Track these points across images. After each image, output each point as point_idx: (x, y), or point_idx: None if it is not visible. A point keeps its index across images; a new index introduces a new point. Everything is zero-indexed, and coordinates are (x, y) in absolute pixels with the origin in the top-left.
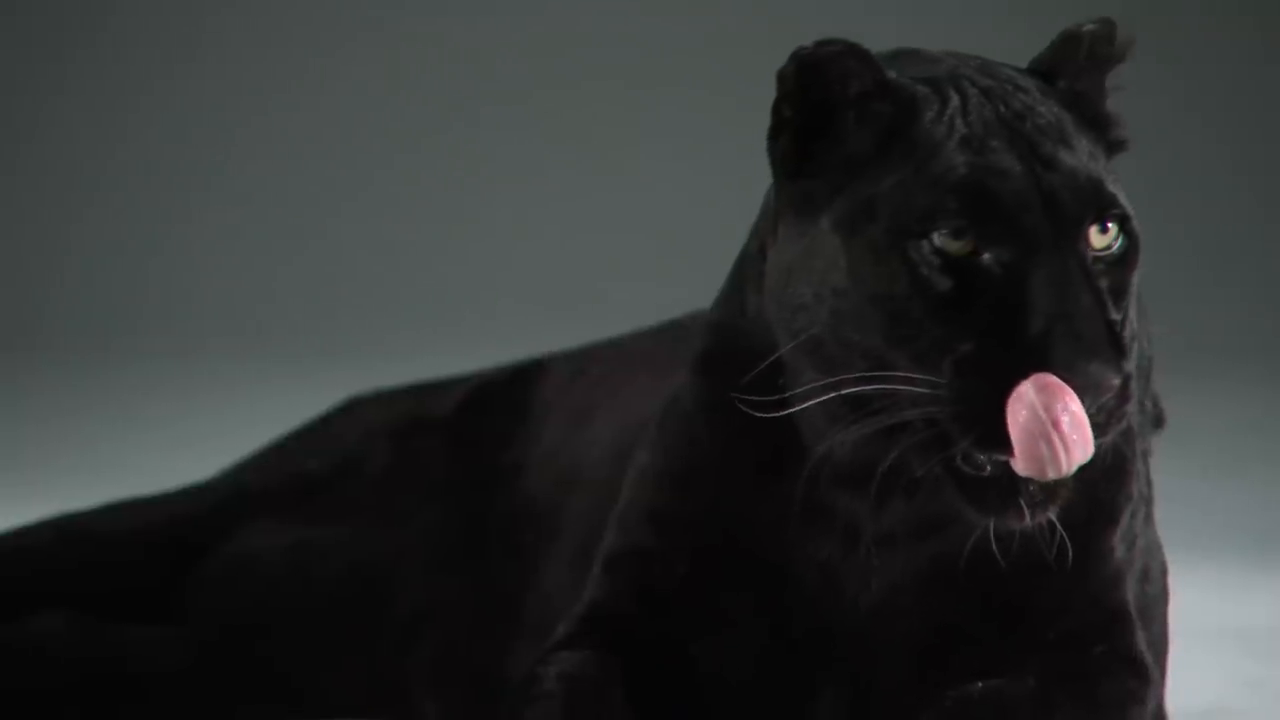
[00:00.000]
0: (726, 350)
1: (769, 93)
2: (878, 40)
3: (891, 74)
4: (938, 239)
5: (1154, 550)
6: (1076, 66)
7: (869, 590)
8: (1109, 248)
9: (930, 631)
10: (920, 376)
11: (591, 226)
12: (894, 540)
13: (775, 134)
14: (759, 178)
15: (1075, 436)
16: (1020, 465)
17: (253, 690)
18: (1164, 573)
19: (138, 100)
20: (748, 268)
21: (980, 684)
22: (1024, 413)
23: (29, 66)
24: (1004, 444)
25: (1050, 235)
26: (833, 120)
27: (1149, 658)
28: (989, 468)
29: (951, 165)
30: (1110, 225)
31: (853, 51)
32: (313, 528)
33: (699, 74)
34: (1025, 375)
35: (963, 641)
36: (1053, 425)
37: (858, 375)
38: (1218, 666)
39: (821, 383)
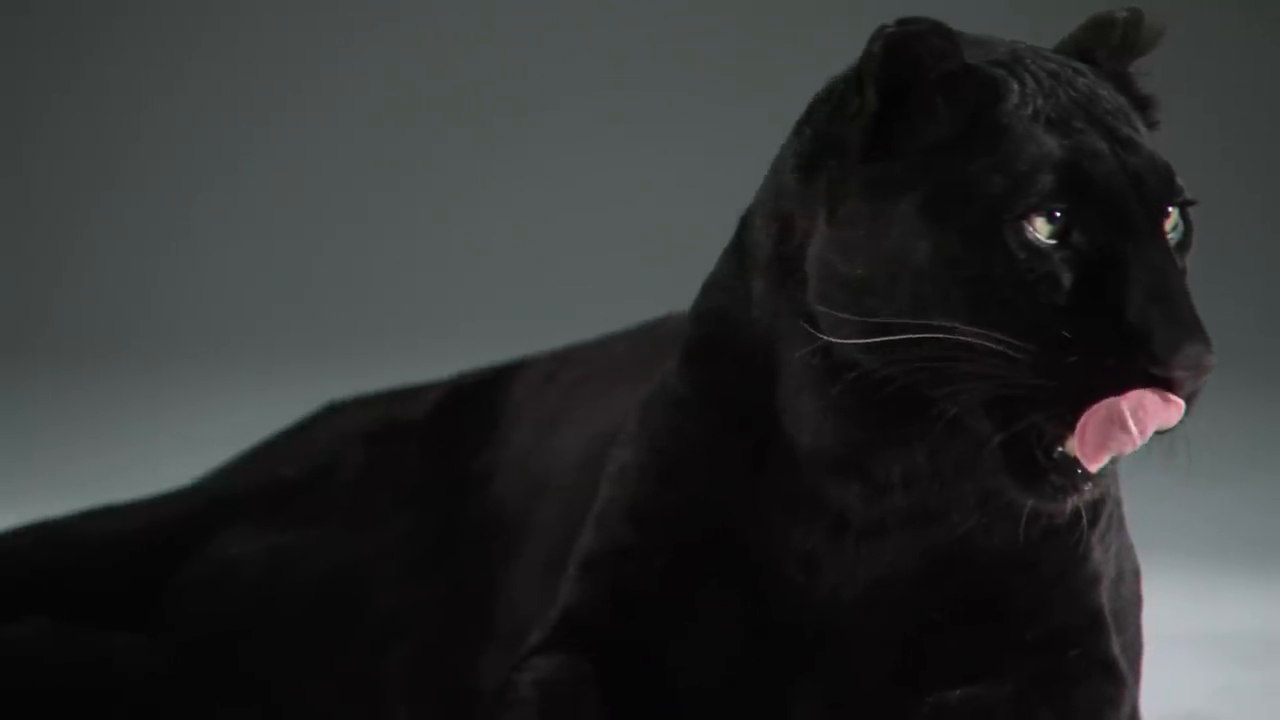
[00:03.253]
0: (721, 339)
1: (751, 97)
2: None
3: None
4: (1035, 221)
5: (1127, 553)
6: (1108, 52)
7: (853, 583)
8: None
9: (910, 628)
10: (1009, 340)
11: (570, 232)
12: (884, 532)
13: (851, 115)
14: (735, 178)
15: (1149, 420)
16: (1089, 438)
17: (230, 696)
18: (1137, 576)
19: (118, 112)
20: (754, 256)
21: (958, 691)
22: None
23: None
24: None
25: (1143, 219)
26: (913, 101)
27: (1123, 662)
28: (1056, 454)
29: (1046, 148)
30: (1172, 210)
31: (938, 30)
32: (289, 533)
33: (687, 78)
34: (1127, 356)
35: (943, 639)
36: (1126, 400)
37: (939, 324)
38: (1194, 672)
39: (905, 322)
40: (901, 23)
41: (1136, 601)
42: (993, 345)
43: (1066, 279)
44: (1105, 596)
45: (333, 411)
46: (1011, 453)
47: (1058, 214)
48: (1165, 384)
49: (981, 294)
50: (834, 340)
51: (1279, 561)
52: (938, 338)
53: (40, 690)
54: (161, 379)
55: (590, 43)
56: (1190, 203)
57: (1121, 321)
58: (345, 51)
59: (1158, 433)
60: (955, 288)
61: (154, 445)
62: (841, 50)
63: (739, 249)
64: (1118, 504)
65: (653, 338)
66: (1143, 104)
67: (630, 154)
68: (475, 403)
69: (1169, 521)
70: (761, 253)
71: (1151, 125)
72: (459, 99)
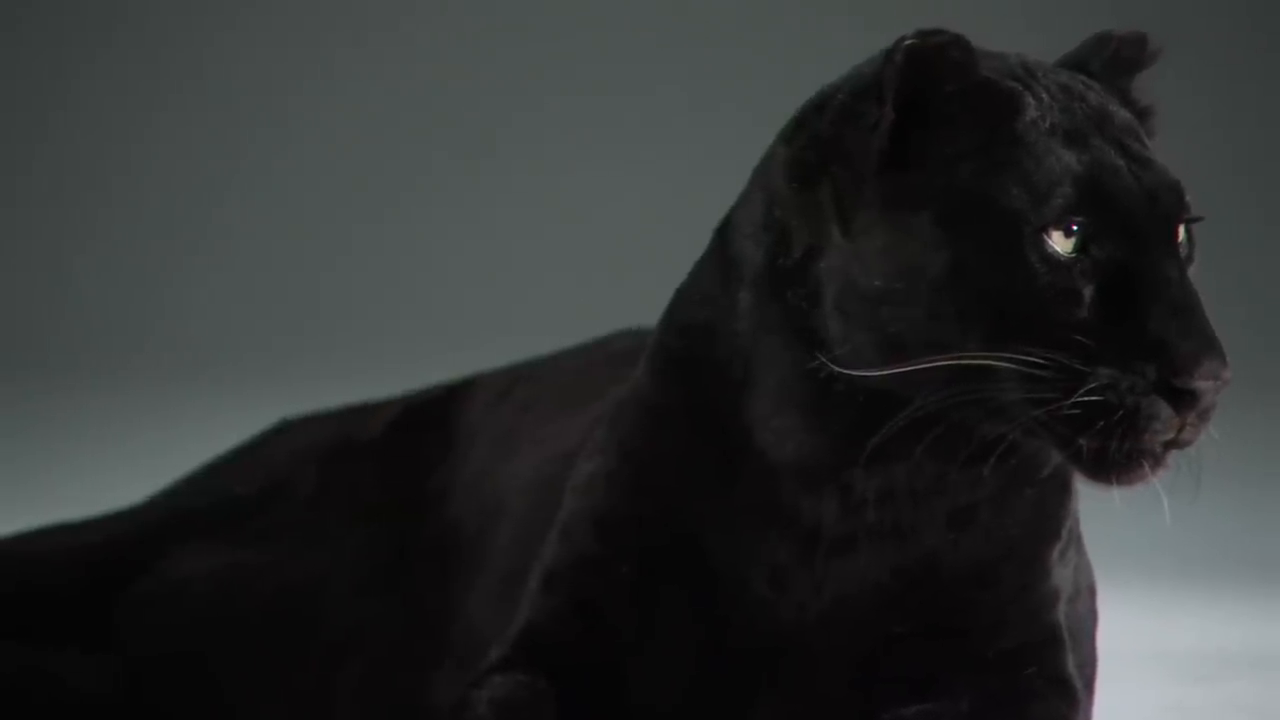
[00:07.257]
0: (699, 350)
1: (720, 113)
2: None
3: None
4: (1053, 234)
5: (1083, 569)
6: (1103, 65)
7: (819, 599)
8: None
9: (874, 644)
10: (1039, 359)
11: (537, 245)
12: (855, 548)
13: (869, 126)
14: (703, 190)
15: None
16: None
17: (181, 715)
18: (1092, 593)
19: (86, 138)
20: (741, 267)
21: (914, 708)
22: None
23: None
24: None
25: (1159, 233)
26: (932, 114)
27: (1078, 679)
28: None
29: (1065, 162)
30: (1180, 227)
31: (958, 43)
32: (242, 551)
33: (665, 91)
34: (1151, 369)
35: (902, 656)
36: None
37: (968, 355)
38: (1146, 689)
39: (936, 360)
40: (922, 35)
41: (1092, 618)
42: (1020, 367)
43: (1086, 293)
44: (1062, 614)
45: (286, 429)
46: (1079, 459)
47: (1075, 228)
48: (1187, 396)
49: (1000, 307)
50: (842, 370)
51: (1231, 579)
52: (967, 363)
53: None
54: (116, 396)
55: (566, 62)
56: (1197, 219)
57: (1143, 334)
58: (319, 78)
59: (1176, 450)
60: (973, 300)
61: (110, 462)
62: (805, 59)
63: (722, 260)
64: (1076, 520)
65: (605, 356)
66: (1141, 115)
67: (600, 167)
68: (430, 421)
69: (1122, 538)
70: (751, 264)
71: (1149, 135)
72: (431, 121)
